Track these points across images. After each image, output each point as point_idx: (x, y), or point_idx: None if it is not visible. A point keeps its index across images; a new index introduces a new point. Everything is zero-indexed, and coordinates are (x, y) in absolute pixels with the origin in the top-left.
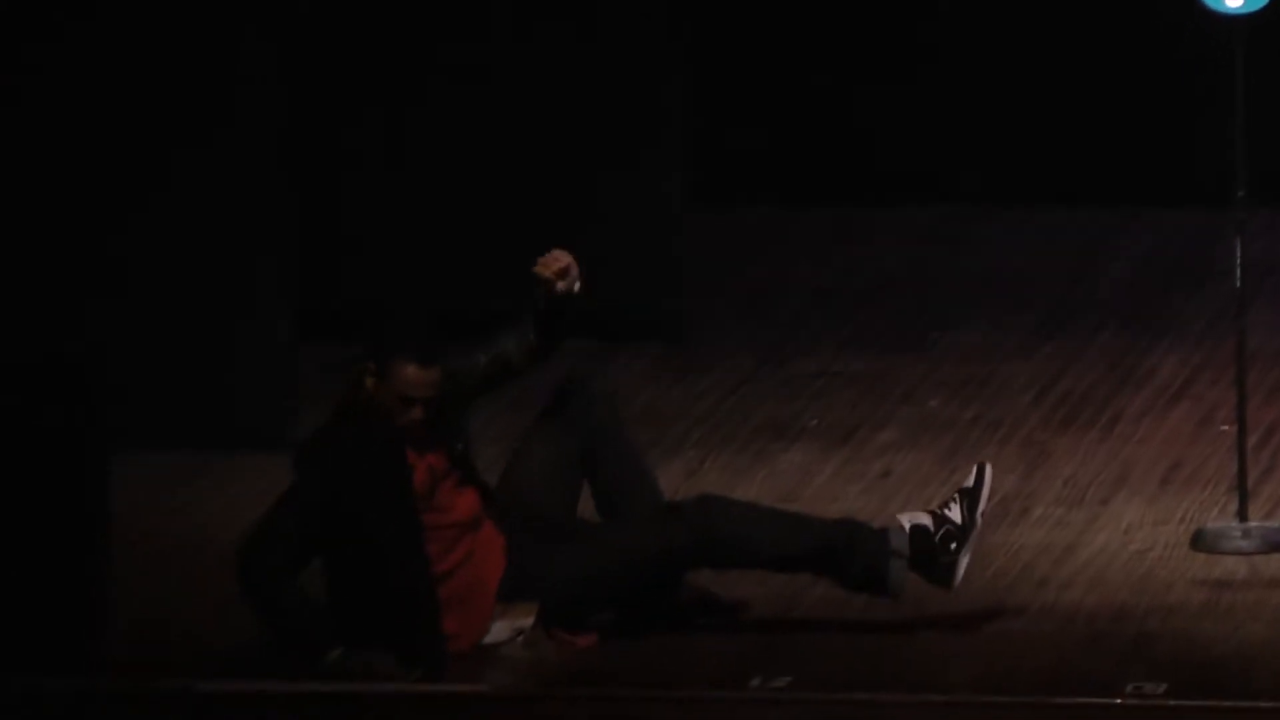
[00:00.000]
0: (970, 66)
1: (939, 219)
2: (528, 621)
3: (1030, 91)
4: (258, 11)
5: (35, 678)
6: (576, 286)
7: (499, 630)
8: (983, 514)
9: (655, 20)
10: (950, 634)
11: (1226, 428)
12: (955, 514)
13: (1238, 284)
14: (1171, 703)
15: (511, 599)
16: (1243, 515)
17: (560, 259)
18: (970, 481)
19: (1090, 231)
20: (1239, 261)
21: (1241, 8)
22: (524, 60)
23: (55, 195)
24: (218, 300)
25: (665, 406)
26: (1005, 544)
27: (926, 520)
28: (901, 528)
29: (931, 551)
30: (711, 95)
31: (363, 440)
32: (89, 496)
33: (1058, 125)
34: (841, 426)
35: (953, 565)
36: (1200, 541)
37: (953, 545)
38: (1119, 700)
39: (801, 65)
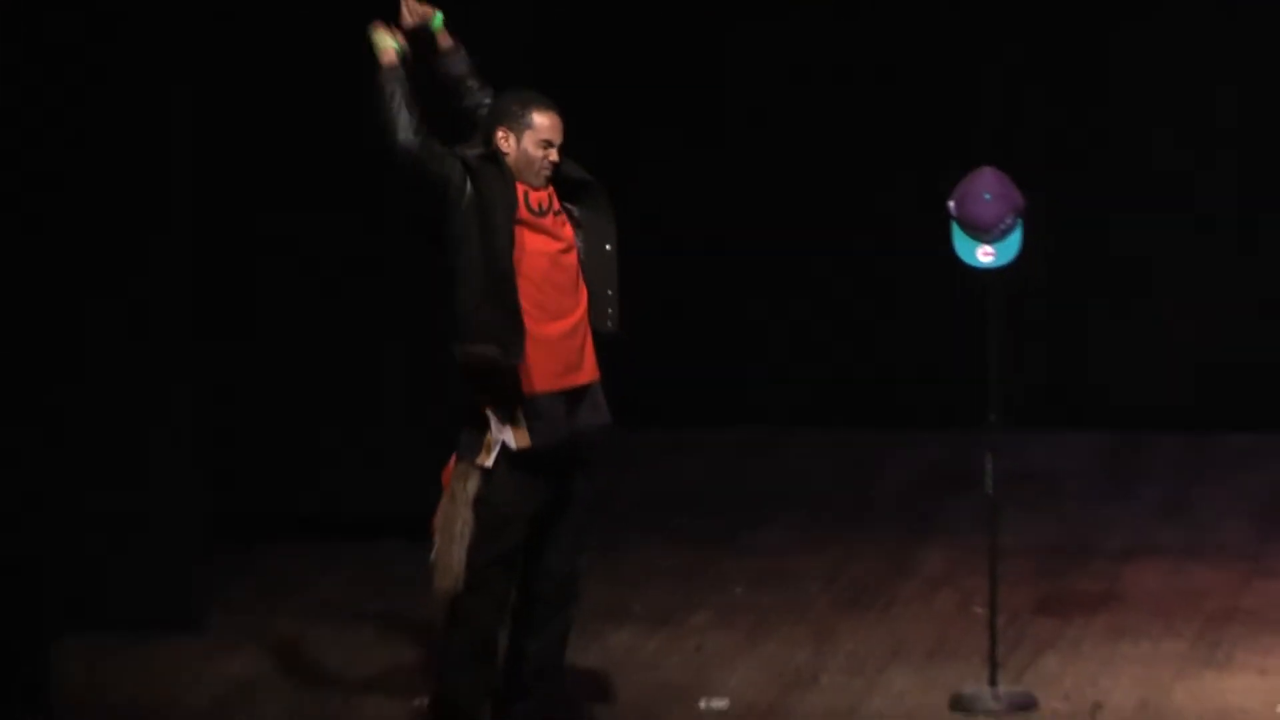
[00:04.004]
0: (777, 299)
1: (747, 437)
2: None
3: (822, 331)
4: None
5: None
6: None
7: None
8: None
9: None
10: None
11: (980, 610)
12: None
13: (989, 491)
14: None
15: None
16: (993, 681)
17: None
18: None
19: (870, 449)
20: (990, 473)
21: (993, 263)
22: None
23: None
24: (131, 495)
25: None
26: (799, 707)
27: None
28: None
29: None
30: None
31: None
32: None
33: (845, 359)
34: (661, 610)
35: None
36: (958, 705)
37: None
38: None
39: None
